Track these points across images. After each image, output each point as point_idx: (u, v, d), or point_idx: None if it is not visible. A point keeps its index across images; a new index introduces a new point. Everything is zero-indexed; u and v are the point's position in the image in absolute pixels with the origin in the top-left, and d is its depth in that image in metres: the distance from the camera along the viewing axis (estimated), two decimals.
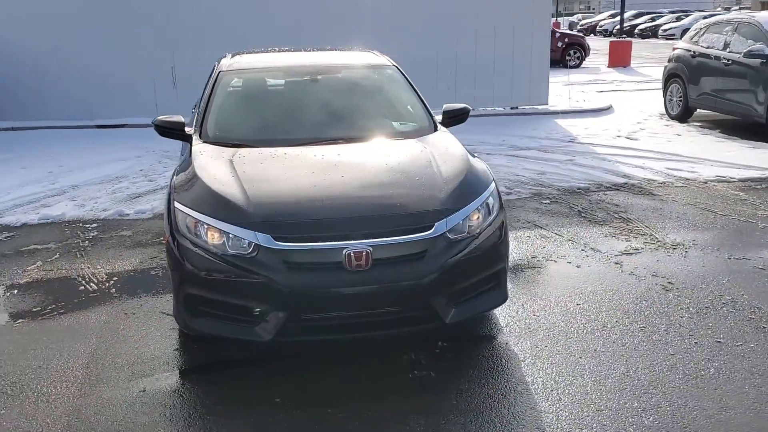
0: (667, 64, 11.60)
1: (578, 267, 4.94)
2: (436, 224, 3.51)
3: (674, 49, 11.62)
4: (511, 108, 12.33)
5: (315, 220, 3.51)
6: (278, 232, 3.45)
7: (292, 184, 3.81)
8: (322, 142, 4.37)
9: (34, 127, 10.91)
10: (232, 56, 5.61)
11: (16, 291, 4.75)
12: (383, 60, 5.49)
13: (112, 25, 11.16)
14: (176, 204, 3.73)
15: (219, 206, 3.65)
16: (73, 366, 3.72)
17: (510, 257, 4.18)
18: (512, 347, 3.84)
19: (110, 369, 3.69)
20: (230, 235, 3.49)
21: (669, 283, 4.61)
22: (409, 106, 5.04)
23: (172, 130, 4.62)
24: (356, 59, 5.62)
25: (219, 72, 5.18)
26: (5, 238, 5.87)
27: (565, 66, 20.42)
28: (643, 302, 4.33)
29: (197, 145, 4.43)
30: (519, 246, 5.39)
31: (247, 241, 3.46)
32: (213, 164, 4.06)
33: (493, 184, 3.97)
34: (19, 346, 3.94)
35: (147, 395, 3.44)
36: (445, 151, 4.25)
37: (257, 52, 5.87)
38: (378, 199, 3.67)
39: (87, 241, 5.74)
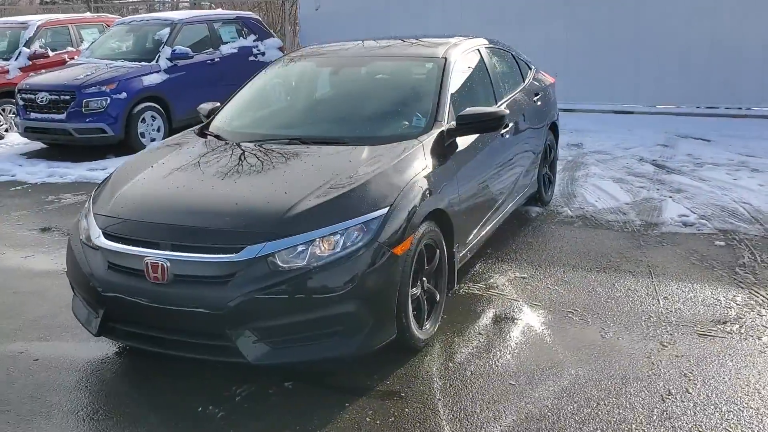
0: None
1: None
2: (248, 247, 3.16)
3: None
4: None
5: (137, 222, 3.44)
6: (108, 229, 3.49)
7: (168, 182, 3.74)
8: (294, 141, 4.10)
9: None
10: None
11: None
12: (446, 52, 4.71)
13: None
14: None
15: (100, 196, 3.81)
16: None
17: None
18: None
19: None
20: (89, 227, 3.63)
21: None
22: (422, 108, 4.33)
23: None
24: (420, 51, 5.02)
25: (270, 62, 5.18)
26: None
27: None
28: None
29: (188, 133, 4.62)
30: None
31: (95, 235, 3.56)
32: (158, 154, 4.21)
33: (382, 212, 3.35)
34: None
35: None
36: (376, 165, 3.65)
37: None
38: (218, 210, 3.40)
39: None
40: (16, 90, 9.38)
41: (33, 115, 9.06)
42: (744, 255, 4.99)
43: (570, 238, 5.45)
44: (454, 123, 4.19)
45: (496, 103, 5.00)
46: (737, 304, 4.21)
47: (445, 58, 4.63)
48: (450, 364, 3.63)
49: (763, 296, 4.31)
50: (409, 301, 3.53)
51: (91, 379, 3.62)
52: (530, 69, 6.14)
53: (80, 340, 3.97)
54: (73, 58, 10.62)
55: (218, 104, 4.89)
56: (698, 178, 6.98)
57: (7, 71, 10.55)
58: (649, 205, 6.20)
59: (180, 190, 3.63)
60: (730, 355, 3.63)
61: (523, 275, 4.75)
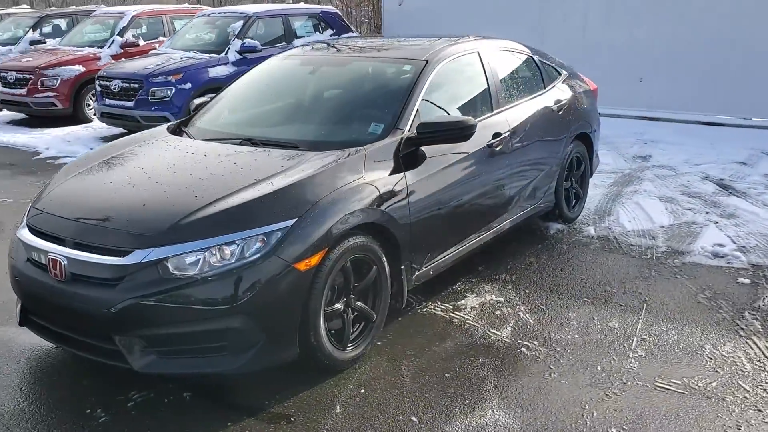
0: None
1: None
2: (135, 252, 3.06)
3: None
4: None
5: (49, 216, 3.43)
6: (30, 221, 3.53)
7: (100, 178, 3.73)
8: (246, 142, 3.95)
9: None
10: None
11: None
12: (425, 55, 4.41)
13: None
14: None
15: (45, 188, 3.86)
16: None
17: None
18: None
19: None
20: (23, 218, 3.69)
21: None
22: (385, 114, 4.05)
23: None
24: (404, 52, 4.73)
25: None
26: None
27: None
28: None
29: (161, 128, 4.55)
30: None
31: (21, 226, 3.61)
32: (114, 148, 4.21)
33: (287, 223, 3.15)
34: None
35: None
36: (301, 173, 3.43)
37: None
38: (123, 210, 3.30)
39: None
40: (96, 77, 9.87)
41: (108, 101, 9.49)
42: (766, 297, 4.35)
43: (576, 262, 4.99)
44: (415, 131, 3.90)
45: (492, 112, 4.64)
46: (721, 355, 3.67)
47: (427, 61, 4.34)
48: (362, 391, 3.39)
49: (759, 349, 3.73)
50: (321, 320, 3.32)
51: (5, 367, 3.67)
52: (559, 74, 5.67)
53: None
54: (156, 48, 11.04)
55: (208, 99, 4.85)
56: (762, 203, 6.22)
57: (99, 58, 11.13)
58: (686, 230, 5.58)
59: (103, 187, 3.60)
60: (678, 415, 3.16)
61: (499, 299, 4.38)
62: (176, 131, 4.41)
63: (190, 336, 3.08)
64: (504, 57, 5.11)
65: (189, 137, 4.22)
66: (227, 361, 3.12)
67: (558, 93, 5.45)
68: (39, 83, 10.70)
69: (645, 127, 9.57)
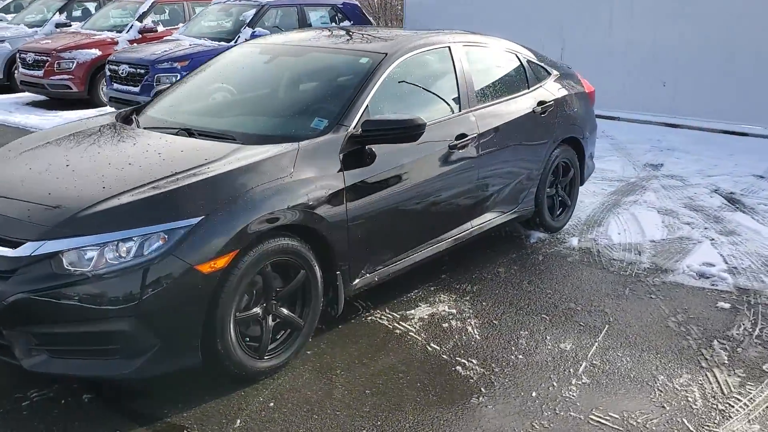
0: None
1: None
2: (27, 244, 2.88)
3: None
4: None
5: None
6: None
7: (24, 163, 3.54)
8: (182, 131, 3.76)
9: None
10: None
11: None
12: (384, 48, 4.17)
13: None
14: None
15: None
16: None
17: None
18: None
19: None
20: None
21: None
22: (331, 109, 3.83)
23: None
24: (364, 44, 4.47)
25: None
26: None
27: None
28: None
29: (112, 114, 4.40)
30: None
31: None
32: (56, 133, 4.06)
33: (190, 221, 2.93)
34: None
35: None
36: (219, 168, 3.23)
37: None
38: (29, 199, 3.12)
39: None
40: (106, 61, 9.84)
41: (116, 86, 9.46)
42: (743, 324, 4.00)
43: (548, 275, 4.68)
44: (360, 129, 3.66)
45: (459, 111, 4.36)
46: (673, 388, 3.34)
47: (385, 54, 4.08)
48: (271, 404, 3.17)
49: (717, 383, 3.39)
50: (230, 327, 3.11)
51: None
52: (549, 74, 5.35)
53: None
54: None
55: (167, 86, 4.68)
56: None
57: (117, 43, 11.12)
58: (677, 246, 5.21)
59: (20, 173, 3.44)
60: None
61: (452, 311, 4.11)
62: (128, 118, 4.24)
63: (82, 336, 2.91)
64: (482, 54, 4.81)
65: (135, 125, 4.04)
66: (120, 366, 2.93)
67: (543, 94, 5.12)
68: (55, 65, 10.74)
69: (664, 134, 9.10)
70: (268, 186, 3.23)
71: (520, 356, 3.61)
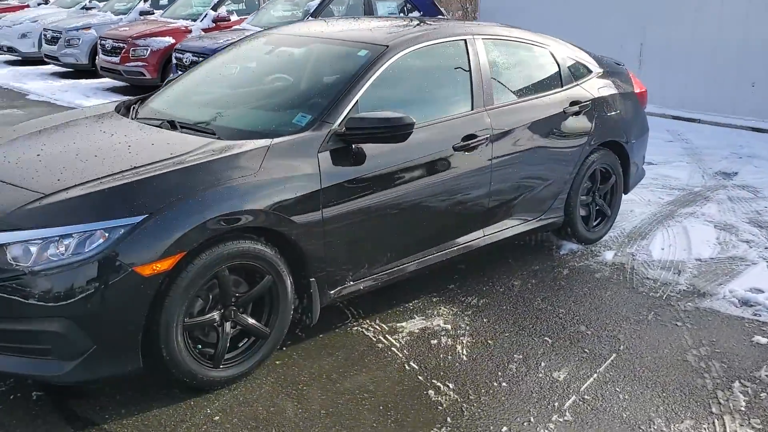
0: None
1: None
2: None
3: None
4: None
5: None
6: None
7: (5, 150, 3.51)
8: (165, 124, 3.59)
9: None
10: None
11: None
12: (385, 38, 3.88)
13: None
14: None
15: None
16: None
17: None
18: None
19: None
20: None
21: None
22: (317, 105, 3.62)
23: None
24: (367, 35, 4.09)
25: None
26: None
27: None
28: None
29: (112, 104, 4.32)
30: None
31: None
32: (55, 120, 4.03)
33: (133, 220, 2.77)
34: None
35: None
36: (176, 164, 3.06)
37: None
38: None
39: None
40: (174, 49, 9.97)
41: (179, 73, 9.54)
42: None
43: (567, 292, 4.28)
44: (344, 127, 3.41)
45: (472, 110, 4.02)
46: None
47: (386, 46, 3.79)
48: (216, 418, 2.98)
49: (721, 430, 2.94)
50: (177, 333, 2.94)
51: None
52: (589, 72, 4.90)
53: None
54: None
55: (177, 76, 4.58)
56: None
57: (191, 31, 11.26)
58: (725, 267, 4.67)
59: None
60: None
61: (447, 326, 3.81)
62: (130, 108, 4.14)
63: (17, 334, 2.80)
64: (506, 49, 4.44)
65: (129, 116, 3.94)
66: (54, 367, 2.81)
67: (579, 93, 4.69)
68: (130, 52, 10.98)
69: (748, 139, 8.34)
70: (228, 185, 3.03)
71: (504, 384, 3.26)
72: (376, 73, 3.66)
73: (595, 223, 5.01)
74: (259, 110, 3.82)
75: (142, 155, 3.20)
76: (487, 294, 4.20)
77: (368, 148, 3.47)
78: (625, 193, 5.27)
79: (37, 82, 12.56)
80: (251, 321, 3.20)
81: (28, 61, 14.83)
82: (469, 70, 4.08)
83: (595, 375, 3.35)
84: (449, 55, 4.09)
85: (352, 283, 3.57)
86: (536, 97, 4.43)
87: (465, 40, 4.13)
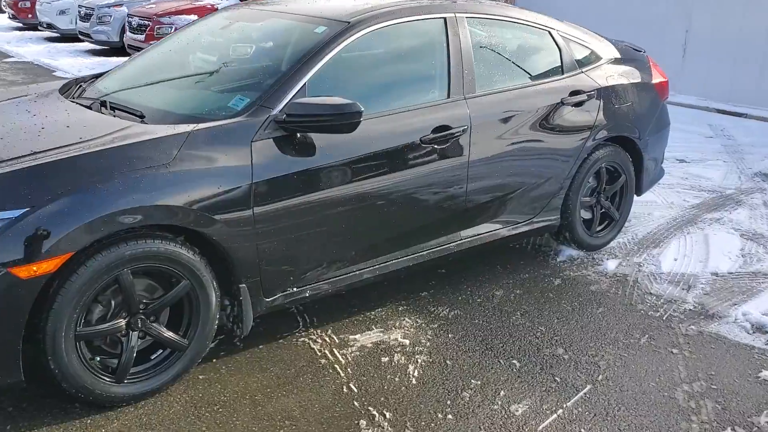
0: None
1: None
2: None
3: None
4: None
5: None
6: None
7: None
8: (96, 104, 3.28)
9: None
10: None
11: None
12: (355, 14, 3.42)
13: None
14: None
15: None
16: None
17: None
18: None
19: None
20: None
21: None
22: (258, 88, 3.19)
23: None
24: (331, 10, 3.62)
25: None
26: None
27: None
28: None
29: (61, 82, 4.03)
30: None
31: None
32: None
33: (11, 214, 2.43)
34: None
35: None
36: (71, 151, 2.70)
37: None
38: None
39: None
40: None
41: None
42: None
43: (553, 305, 3.79)
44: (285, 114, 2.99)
45: (448, 98, 3.55)
46: None
47: (347, 23, 3.35)
48: None
49: None
50: (68, 344, 2.59)
51: None
52: (599, 59, 4.35)
53: None
54: None
55: (137, 54, 4.22)
56: None
57: (216, 9, 10.97)
58: (744, 284, 4.10)
59: None
60: None
61: (404, 341, 3.37)
62: (77, 86, 3.80)
63: None
64: (497, 30, 3.94)
65: (69, 96, 3.59)
66: None
67: (582, 81, 4.16)
68: (155, 30, 10.79)
69: None
70: (134, 176, 2.65)
71: (450, 416, 2.82)
72: (331, 53, 3.22)
73: (599, 228, 4.48)
74: (198, 91, 3.43)
75: (49, 139, 2.85)
76: (461, 305, 3.74)
77: (319, 139, 3.05)
78: (638, 195, 4.72)
79: (67, 59, 12.51)
80: (164, 331, 2.83)
81: (66, 38, 14.86)
82: (447, 53, 3.60)
83: (560, 411, 2.87)
84: (423, 35, 3.62)
85: (294, 289, 3.17)
86: (529, 86, 3.92)
87: (445, 19, 3.65)
